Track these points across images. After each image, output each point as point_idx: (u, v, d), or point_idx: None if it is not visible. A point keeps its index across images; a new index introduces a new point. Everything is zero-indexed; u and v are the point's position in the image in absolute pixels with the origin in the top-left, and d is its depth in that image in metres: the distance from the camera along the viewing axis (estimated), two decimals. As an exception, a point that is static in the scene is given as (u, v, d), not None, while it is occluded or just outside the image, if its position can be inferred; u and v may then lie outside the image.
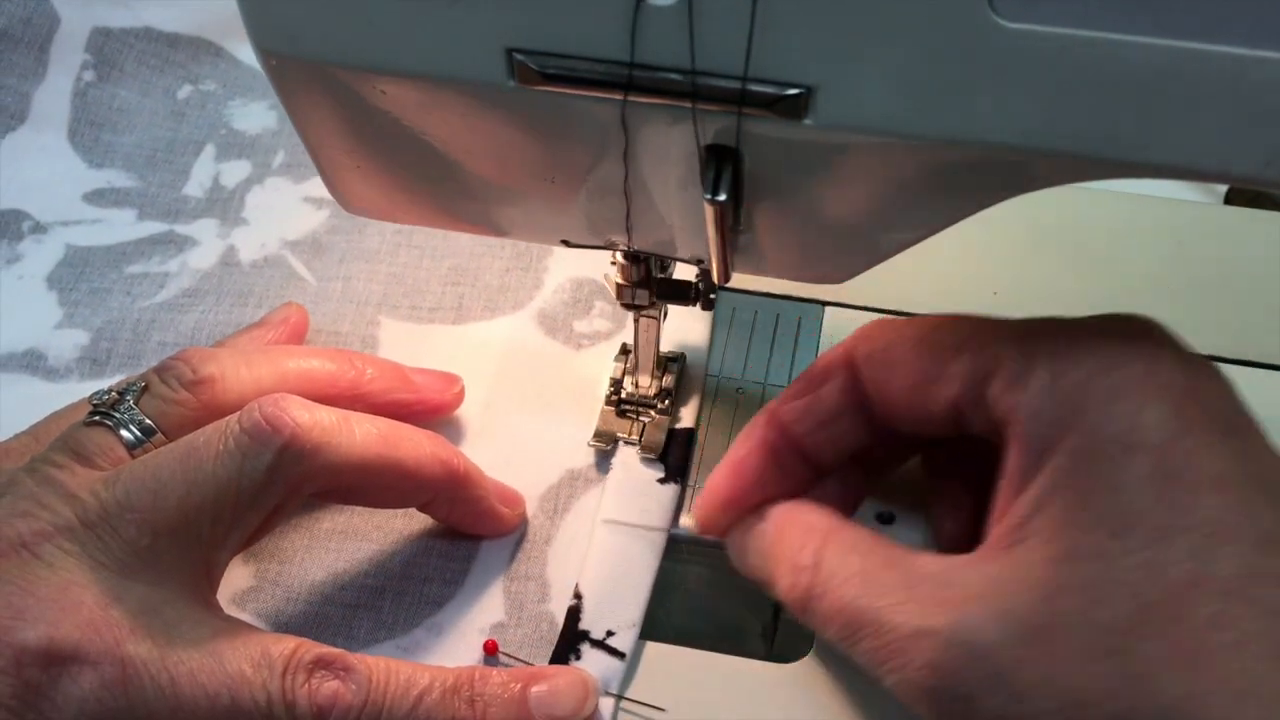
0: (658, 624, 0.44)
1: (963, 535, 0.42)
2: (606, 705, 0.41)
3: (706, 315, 0.52)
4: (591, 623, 0.43)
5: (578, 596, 0.44)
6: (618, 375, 0.49)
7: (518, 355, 0.51)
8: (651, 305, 0.44)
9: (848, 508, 0.43)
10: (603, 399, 0.49)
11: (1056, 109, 0.30)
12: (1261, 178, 0.30)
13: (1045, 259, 0.55)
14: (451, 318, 0.53)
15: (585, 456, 0.48)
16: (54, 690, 0.35)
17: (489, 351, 0.51)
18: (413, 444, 0.42)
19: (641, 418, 0.48)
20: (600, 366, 0.50)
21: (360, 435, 0.40)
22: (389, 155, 0.37)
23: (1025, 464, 0.34)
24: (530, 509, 0.47)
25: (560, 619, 0.43)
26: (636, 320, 0.45)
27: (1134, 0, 0.28)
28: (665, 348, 0.49)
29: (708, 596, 0.47)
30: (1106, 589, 0.32)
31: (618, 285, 0.43)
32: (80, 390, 0.46)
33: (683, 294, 0.43)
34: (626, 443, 0.48)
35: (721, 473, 0.41)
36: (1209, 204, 0.60)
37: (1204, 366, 0.35)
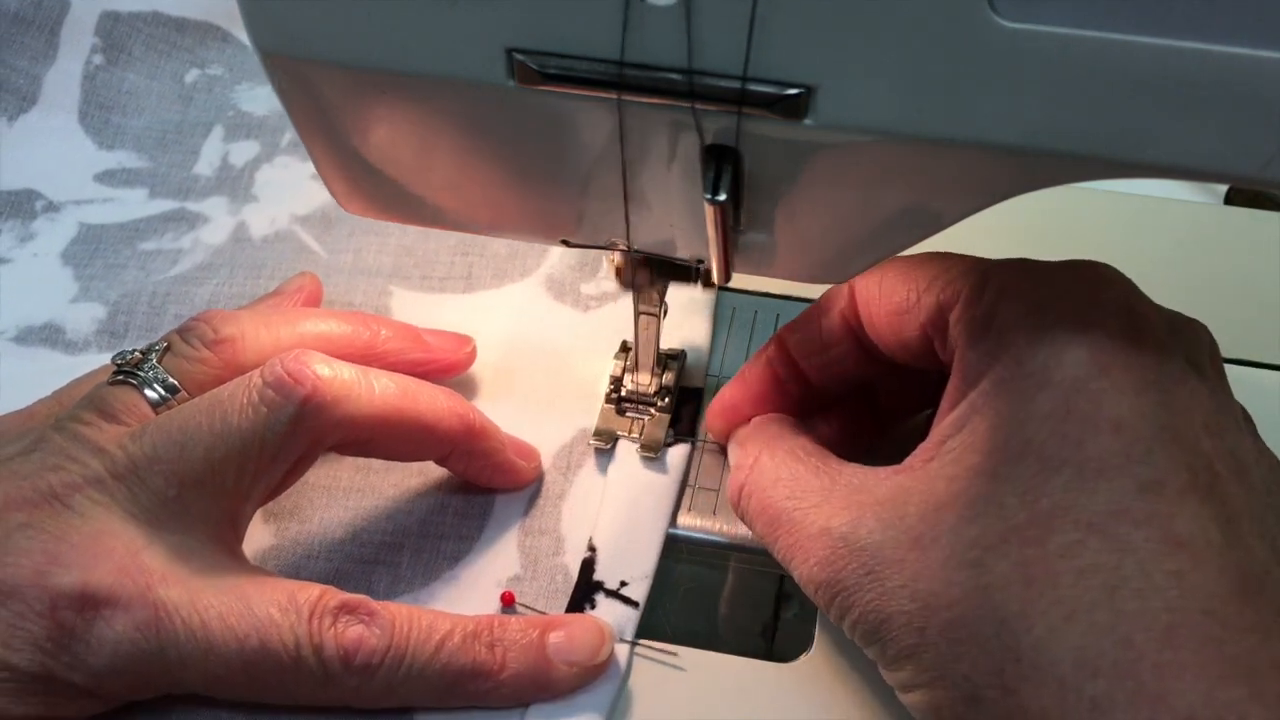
0: (658, 624, 0.44)
1: None
2: (621, 651, 0.42)
3: (707, 314, 0.52)
4: (605, 574, 0.44)
5: (591, 549, 0.45)
6: (618, 373, 0.49)
7: (527, 319, 0.53)
8: (651, 285, 0.44)
9: (852, 446, 0.44)
10: (603, 396, 0.49)
11: (1056, 109, 0.30)
12: (1261, 178, 0.30)
13: (1045, 259, 0.55)
14: (461, 287, 0.54)
15: (595, 415, 0.49)
16: (88, 633, 0.37)
17: (499, 316, 0.53)
18: (430, 398, 0.43)
19: (641, 416, 0.48)
20: (608, 326, 0.51)
21: (379, 389, 0.41)
22: (389, 155, 0.37)
23: (958, 388, 0.36)
24: (543, 466, 0.47)
25: (574, 571, 0.44)
26: (637, 319, 0.45)
27: (1134, 0, 0.28)
28: (665, 345, 0.49)
29: (708, 596, 0.47)
30: (983, 508, 0.34)
31: (617, 269, 0.43)
32: (99, 362, 0.47)
33: (683, 273, 0.44)
34: (628, 440, 0.48)
35: (728, 385, 0.45)
36: (1209, 204, 0.60)
37: (1150, 320, 0.35)
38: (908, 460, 0.37)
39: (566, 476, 0.47)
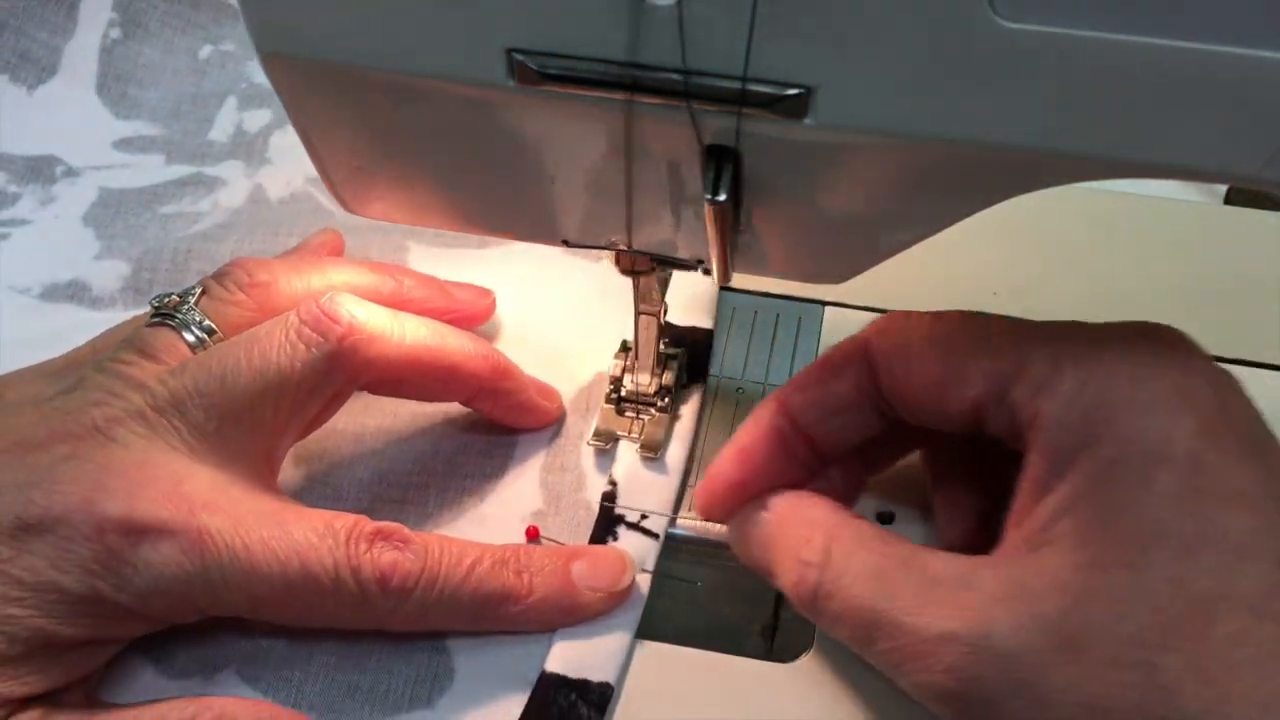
0: (658, 624, 0.44)
1: (966, 536, 0.42)
2: (643, 581, 0.44)
3: (708, 314, 0.52)
4: (626, 508, 0.45)
5: (612, 483, 0.46)
6: (617, 373, 0.49)
7: (542, 271, 0.54)
8: (650, 271, 0.43)
9: (849, 498, 0.43)
10: (602, 397, 0.49)
11: (1056, 109, 0.30)
12: (1261, 178, 0.30)
13: (1045, 259, 0.55)
14: (476, 243, 0.55)
15: (610, 360, 0.50)
16: (135, 556, 0.38)
17: (514, 269, 0.54)
18: (458, 340, 0.45)
19: (641, 415, 0.48)
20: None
21: (411, 330, 0.44)
22: (388, 156, 0.37)
23: (1049, 469, 0.34)
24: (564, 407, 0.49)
25: (596, 505, 0.46)
26: (637, 318, 0.45)
27: (1134, 0, 0.28)
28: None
29: (708, 596, 0.47)
30: (1133, 600, 0.32)
31: (618, 251, 0.43)
32: (125, 317, 0.48)
33: (684, 261, 0.42)
34: (628, 440, 0.48)
35: (726, 458, 0.41)
36: (1209, 204, 0.60)
37: (1229, 380, 0.35)
38: (1003, 549, 0.35)
39: (585, 419, 0.49)
